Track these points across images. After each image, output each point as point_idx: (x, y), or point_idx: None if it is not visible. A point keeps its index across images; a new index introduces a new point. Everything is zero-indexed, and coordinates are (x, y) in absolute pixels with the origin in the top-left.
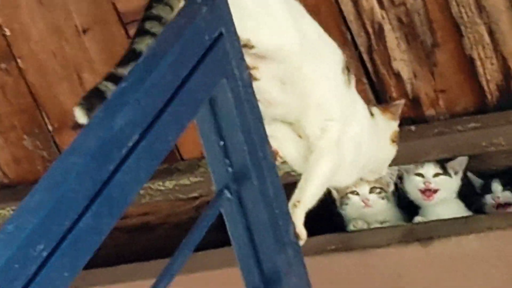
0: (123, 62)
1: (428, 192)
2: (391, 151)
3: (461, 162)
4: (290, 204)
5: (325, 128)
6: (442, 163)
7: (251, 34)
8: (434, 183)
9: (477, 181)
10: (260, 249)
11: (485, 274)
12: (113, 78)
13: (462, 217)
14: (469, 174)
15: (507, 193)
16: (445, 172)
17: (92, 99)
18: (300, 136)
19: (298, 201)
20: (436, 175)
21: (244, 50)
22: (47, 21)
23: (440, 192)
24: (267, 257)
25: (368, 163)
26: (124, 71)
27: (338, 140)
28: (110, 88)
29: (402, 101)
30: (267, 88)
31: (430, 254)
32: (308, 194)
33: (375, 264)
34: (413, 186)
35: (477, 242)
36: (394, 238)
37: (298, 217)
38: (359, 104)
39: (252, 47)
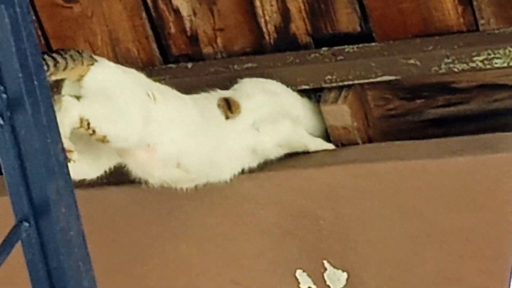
0: None
1: None
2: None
3: None
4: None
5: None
6: None
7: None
8: None
9: None
10: (30, 178)
11: (255, 215)
12: None
13: None
14: None
15: None
16: None
17: None
18: None
19: None
20: None
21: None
22: None
23: None
24: (37, 186)
25: None
26: None
27: None
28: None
29: None
30: (169, 176)
31: (206, 192)
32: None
33: (146, 198)
34: None
35: (250, 182)
36: None
37: None
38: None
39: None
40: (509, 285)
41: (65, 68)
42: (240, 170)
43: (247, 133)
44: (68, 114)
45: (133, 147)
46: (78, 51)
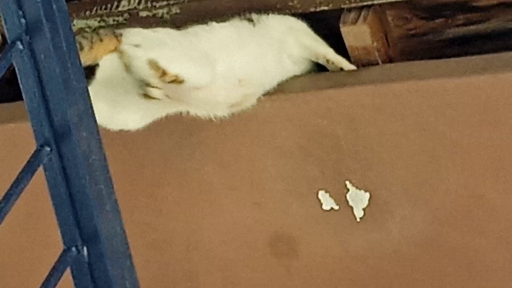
0: None
1: None
2: None
3: None
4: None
5: None
6: None
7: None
8: None
9: None
10: (51, 102)
11: (275, 137)
12: None
13: None
14: None
15: None
16: None
17: None
18: None
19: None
20: None
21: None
22: None
23: None
24: (58, 110)
25: None
26: None
27: None
28: None
29: None
30: (235, 98)
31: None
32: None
33: (167, 121)
34: None
35: (270, 104)
36: None
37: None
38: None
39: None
40: None
41: (91, 47)
42: (281, 78)
43: (275, 40)
44: (138, 60)
45: (206, 84)
46: (100, 29)
